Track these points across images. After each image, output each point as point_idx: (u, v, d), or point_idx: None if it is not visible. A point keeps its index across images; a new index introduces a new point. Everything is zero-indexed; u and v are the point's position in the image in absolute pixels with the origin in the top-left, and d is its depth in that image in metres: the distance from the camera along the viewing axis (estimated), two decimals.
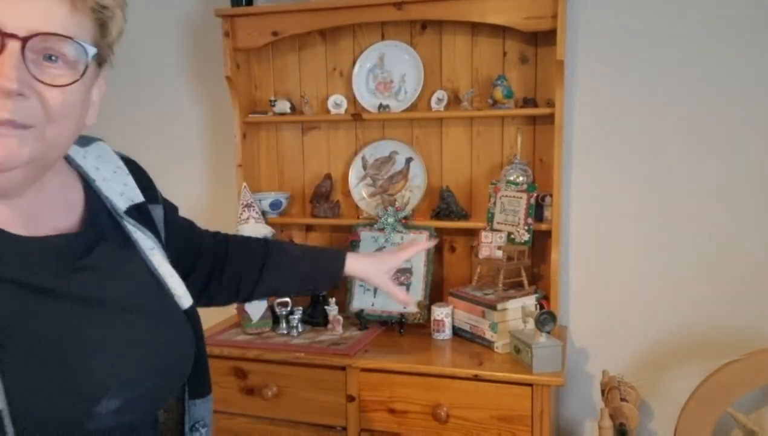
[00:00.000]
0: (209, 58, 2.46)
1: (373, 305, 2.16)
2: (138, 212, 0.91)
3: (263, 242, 1.28)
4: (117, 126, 2.63)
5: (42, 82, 0.68)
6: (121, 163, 0.93)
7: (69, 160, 0.87)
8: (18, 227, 0.75)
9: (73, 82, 0.71)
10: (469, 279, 2.22)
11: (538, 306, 1.94)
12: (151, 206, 0.95)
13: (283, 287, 1.31)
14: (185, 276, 0.96)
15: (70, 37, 0.69)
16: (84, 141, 0.92)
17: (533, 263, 2.14)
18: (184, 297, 0.89)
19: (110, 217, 0.86)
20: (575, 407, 2.26)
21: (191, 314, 0.90)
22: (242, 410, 1.98)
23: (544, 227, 2.06)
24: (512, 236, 2.04)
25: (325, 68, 2.34)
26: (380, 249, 2.18)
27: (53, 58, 0.70)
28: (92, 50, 0.73)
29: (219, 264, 1.18)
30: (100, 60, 0.78)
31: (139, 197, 0.92)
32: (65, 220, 0.81)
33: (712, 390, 1.84)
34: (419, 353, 1.91)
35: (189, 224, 1.15)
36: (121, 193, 0.90)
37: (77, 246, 0.79)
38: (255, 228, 2.21)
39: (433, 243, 1.67)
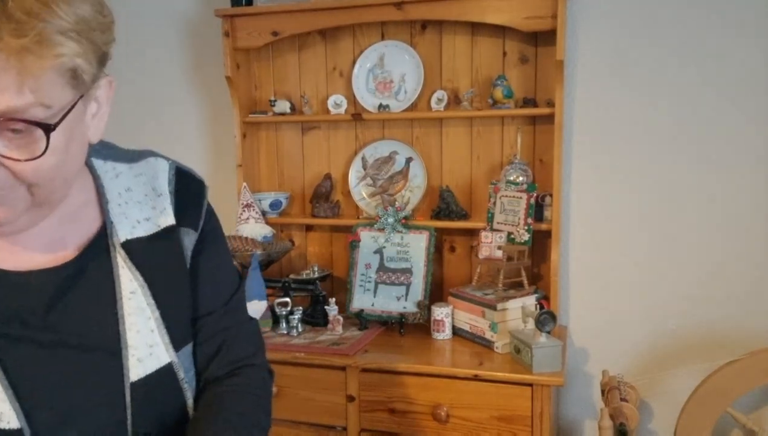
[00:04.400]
0: (209, 58, 2.46)
1: (373, 305, 2.16)
2: (149, 242, 0.85)
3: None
4: (116, 126, 2.63)
5: (6, 157, 0.64)
6: (162, 185, 0.88)
7: (96, 178, 0.85)
8: (6, 259, 0.77)
9: (35, 158, 0.65)
10: (469, 279, 2.22)
11: (538, 306, 1.94)
12: (183, 230, 0.88)
13: None
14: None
15: (15, 119, 0.62)
16: (133, 157, 0.89)
17: (533, 263, 2.14)
18: (143, 362, 0.82)
19: (107, 245, 0.83)
20: (575, 407, 2.26)
21: (141, 386, 0.81)
22: None
23: (544, 226, 2.06)
24: (512, 236, 2.04)
25: (325, 68, 2.34)
26: (380, 249, 2.18)
27: (17, 130, 0.64)
28: (52, 118, 0.65)
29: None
30: (89, 83, 0.70)
31: (167, 221, 0.87)
32: (63, 247, 0.80)
33: (712, 390, 1.84)
34: (419, 353, 1.91)
35: (214, 293, 0.93)
36: (148, 217, 0.86)
37: (50, 283, 0.78)
38: (255, 228, 2.21)
39: None
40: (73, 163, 0.73)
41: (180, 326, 0.87)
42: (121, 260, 0.83)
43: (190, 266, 0.90)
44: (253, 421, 0.90)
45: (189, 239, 0.89)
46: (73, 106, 0.68)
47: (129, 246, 0.84)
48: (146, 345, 0.82)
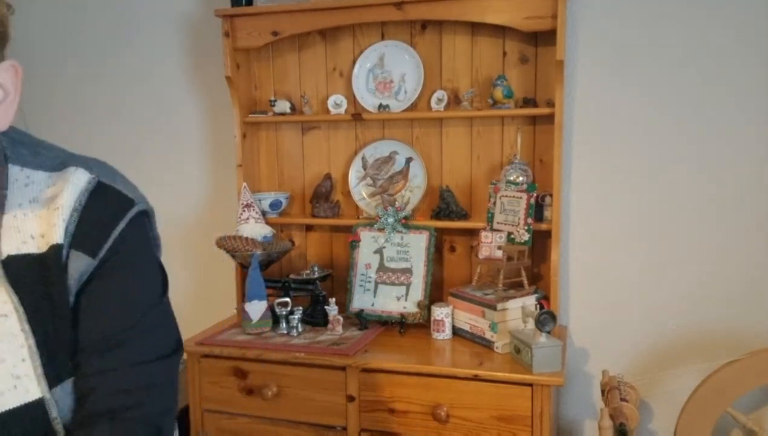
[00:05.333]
0: (209, 58, 2.46)
1: (373, 305, 2.16)
2: (37, 261, 0.76)
3: None
4: (117, 126, 2.64)
5: None
6: (65, 198, 0.77)
7: (3, 187, 0.78)
8: None
9: None
10: (469, 279, 2.22)
11: (538, 306, 1.94)
12: (74, 254, 0.77)
13: None
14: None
15: None
16: (58, 166, 0.80)
17: (533, 263, 2.14)
18: (3, 396, 0.73)
19: None
20: (575, 407, 2.26)
21: None
22: (242, 410, 1.98)
23: (544, 226, 2.06)
24: (512, 236, 2.04)
25: (325, 68, 2.34)
26: (380, 249, 2.18)
27: None
28: None
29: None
30: None
31: (54, 239, 0.76)
32: None
33: (712, 390, 1.84)
34: (419, 353, 1.91)
35: (92, 330, 0.79)
36: (43, 234, 0.76)
37: None
38: (255, 228, 2.21)
39: None
40: None
41: (58, 358, 0.77)
42: None
43: (80, 294, 0.78)
44: None
45: (78, 263, 0.77)
46: None
47: (11, 263, 0.75)
48: (11, 376, 0.73)
